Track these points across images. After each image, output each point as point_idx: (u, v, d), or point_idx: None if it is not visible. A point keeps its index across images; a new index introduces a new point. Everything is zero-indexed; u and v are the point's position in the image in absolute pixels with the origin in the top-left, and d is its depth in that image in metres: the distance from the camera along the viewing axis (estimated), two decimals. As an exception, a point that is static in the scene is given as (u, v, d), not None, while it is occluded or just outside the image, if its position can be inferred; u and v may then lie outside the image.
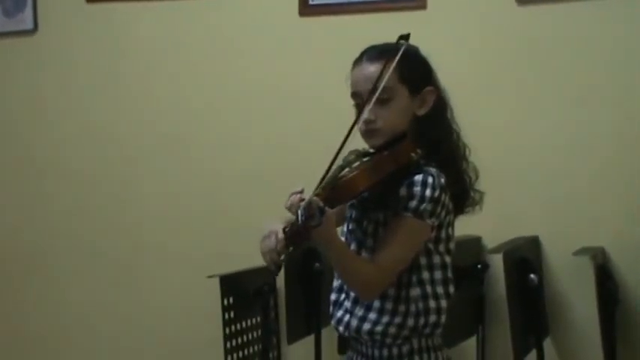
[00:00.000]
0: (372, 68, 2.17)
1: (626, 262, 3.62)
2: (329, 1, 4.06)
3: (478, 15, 3.85)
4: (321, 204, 1.95)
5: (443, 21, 3.89)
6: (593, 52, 3.71)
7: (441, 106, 2.24)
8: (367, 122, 2.15)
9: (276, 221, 2.13)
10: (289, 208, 2.01)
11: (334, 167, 2.04)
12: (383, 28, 3.90)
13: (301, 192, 2.02)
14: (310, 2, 4.09)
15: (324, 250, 2.07)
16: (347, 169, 2.06)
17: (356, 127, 2.15)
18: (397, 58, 2.11)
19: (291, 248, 2.04)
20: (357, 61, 2.23)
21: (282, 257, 2.05)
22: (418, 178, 2.09)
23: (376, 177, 2.04)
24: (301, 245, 2.02)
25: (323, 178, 2.02)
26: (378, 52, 2.20)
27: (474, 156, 2.31)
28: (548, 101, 3.77)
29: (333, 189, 1.99)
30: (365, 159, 2.12)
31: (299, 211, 1.93)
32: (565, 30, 3.74)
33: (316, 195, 1.96)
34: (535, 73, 3.79)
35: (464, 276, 3.40)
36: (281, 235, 2.04)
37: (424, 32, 3.81)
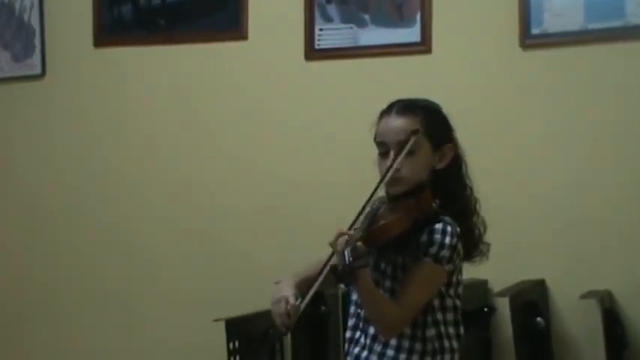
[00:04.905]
0: (399, 121, 2.30)
1: (633, 306, 3.60)
2: (335, 46, 4.09)
3: (482, 59, 3.88)
4: (365, 248, 2.11)
5: (448, 65, 3.92)
6: (597, 95, 3.73)
7: (458, 161, 2.37)
8: (393, 171, 2.27)
9: (285, 283, 2.28)
10: (335, 247, 2.12)
11: (365, 213, 2.20)
12: (388, 72, 3.99)
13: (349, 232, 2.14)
14: (316, 46, 4.12)
15: (357, 288, 2.22)
16: (377, 216, 2.22)
17: (378, 173, 2.27)
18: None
19: (302, 307, 2.18)
20: (385, 113, 2.35)
21: (294, 320, 2.21)
22: (439, 226, 2.24)
23: (406, 223, 2.20)
24: (347, 284, 2.14)
25: (353, 223, 2.17)
26: (404, 106, 2.33)
27: (480, 198, 2.36)
28: (554, 145, 3.78)
29: (369, 234, 2.15)
30: (390, 206, 2.27)
31: (345, 253, 2.06)
32: (568, 74, 3.77)
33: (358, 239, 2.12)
34: (540, 116, 3.80)
35: (471, 319, 3.36)
36: (292, 300, 2.21)
37: (429, 76, 3.91)
